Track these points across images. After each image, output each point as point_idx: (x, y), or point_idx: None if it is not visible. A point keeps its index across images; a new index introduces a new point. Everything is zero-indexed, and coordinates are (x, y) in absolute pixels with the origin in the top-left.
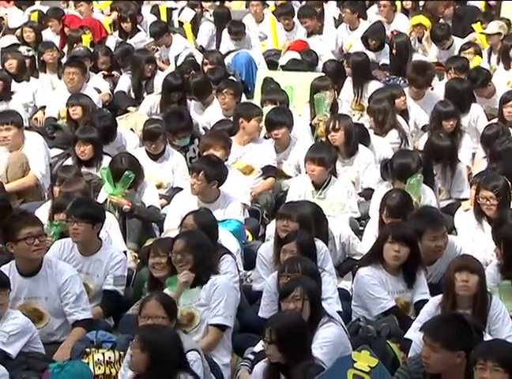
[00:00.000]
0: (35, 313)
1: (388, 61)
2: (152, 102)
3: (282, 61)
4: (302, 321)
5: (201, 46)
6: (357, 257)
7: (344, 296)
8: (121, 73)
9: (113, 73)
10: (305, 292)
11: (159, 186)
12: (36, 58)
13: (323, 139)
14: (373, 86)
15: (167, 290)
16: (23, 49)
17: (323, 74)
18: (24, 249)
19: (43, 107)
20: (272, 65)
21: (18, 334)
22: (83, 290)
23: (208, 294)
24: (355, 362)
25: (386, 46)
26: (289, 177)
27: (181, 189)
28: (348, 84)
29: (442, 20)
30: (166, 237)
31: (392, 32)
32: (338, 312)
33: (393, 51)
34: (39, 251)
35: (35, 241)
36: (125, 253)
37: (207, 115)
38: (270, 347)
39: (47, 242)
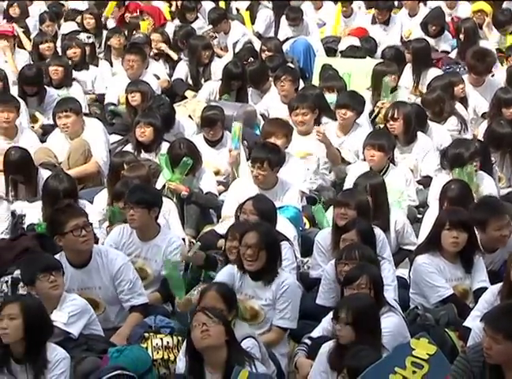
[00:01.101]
0: (90, 303)
1: (448, 48)
2: (211, 88)
3: (341, 46)
4: (375, 303)
5: (257, 32)
6: (409, 247)
7: (402, 284)
8: (180, 59)
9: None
10: (370, 281)
11: (216, 173)
12: (97, 45)
13: (382, 125)
14: (432, 73)
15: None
16: (83, 36)
17: (382, 61)
18: (72, 241)
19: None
20: (330, 51)
21: (78, 314)
22: (137, 276)
23: (274, 295)
24: (413, 349)
25: (446, 32)
26: (348, 163)
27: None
28: (408, 70)
29: (504, 6)
30: (242, 221)
31: (452, 19)
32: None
33: (461, 36)
34: (87, 242)
35: (82, 232)
36: (183, 239)
37: (265, 102)
38: (346, 328)
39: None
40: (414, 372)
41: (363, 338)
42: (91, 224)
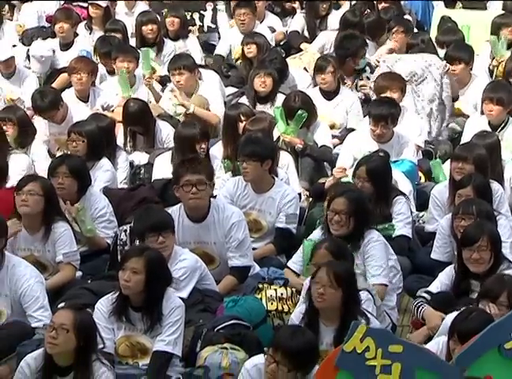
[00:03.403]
0: (205, 257)
1: None
2: (326, 38)
3: None
4: None
5: None
6: None
7: None
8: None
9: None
10: (490, 241)
11: (332, 127)
12: None
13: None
14: None
15: None
16: None
17: (502, 12)
18: (182, 196)
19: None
20: (449, 3)
21: (188, 277)
22: (246, 237)
23: (362, 257)
24: None
25: None
26: (466, 115)
27: (354, 130)
28: None
29: None
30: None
31: None
32: None
33: None
34: (194, 200)
35: (193, 189)
36: (299, 194)
37: (379, 54)
38: (506, 311)
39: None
40: None
41: None
42: (205, 183)
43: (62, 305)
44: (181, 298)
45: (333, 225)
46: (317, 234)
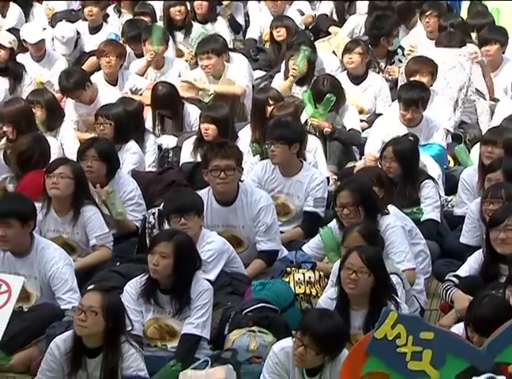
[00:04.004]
0: (234, 240)
1: None
2: (355, 22)
3: None
4: None
5: None
6: None
7: None
8: None
9: None
10: None
11: (360, 112)
12: None
13: None
14: None
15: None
16: None
17: None
18: (210, 180)
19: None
20: None
21: (215, 260)
22: (274, 221)
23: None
24: None
25: None
26: (497, 99)
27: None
28: None
29: None
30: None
31: None
32: None
33: None
34: (222, 185)
35: (221, 174)
36: (327, 178)
37: (410, 37)
38: None
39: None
40: None
41: None
42: (234, 169)
43: (91, 287)
44: (208, 281)
45: (344, 219)
46: (334, 223)
